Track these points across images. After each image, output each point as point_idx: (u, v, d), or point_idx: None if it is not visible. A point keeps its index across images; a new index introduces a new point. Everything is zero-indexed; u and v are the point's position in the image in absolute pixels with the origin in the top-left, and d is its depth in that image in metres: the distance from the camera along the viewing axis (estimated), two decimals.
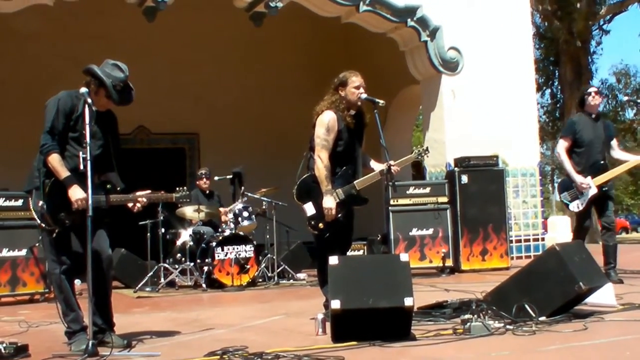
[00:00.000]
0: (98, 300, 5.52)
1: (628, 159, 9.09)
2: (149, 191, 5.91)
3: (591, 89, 9.12)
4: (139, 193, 5.84)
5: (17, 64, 16.05)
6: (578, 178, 8.74)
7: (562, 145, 8.98)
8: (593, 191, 8.71)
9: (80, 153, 5.40)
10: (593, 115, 8.99)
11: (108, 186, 5.80)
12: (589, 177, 8.75)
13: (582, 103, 9.04)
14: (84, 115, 5.45)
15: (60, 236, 5.61)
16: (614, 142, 9.10)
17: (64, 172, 5.50)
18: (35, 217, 5.59)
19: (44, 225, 5.57)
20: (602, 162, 8.86)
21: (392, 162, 6.52)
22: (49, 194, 5.50)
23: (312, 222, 6.59)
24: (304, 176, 6.71)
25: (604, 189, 8.82)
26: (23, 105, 12.69)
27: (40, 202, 5.50)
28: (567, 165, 8.88)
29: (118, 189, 5.85)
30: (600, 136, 8.91)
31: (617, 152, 9.10)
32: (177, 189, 6.11)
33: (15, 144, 13.26)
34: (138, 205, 5.83)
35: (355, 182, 6.64)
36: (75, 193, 5.46)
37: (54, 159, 5.50)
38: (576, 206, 8.83)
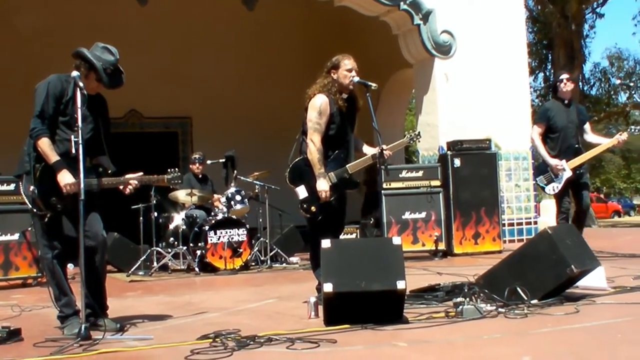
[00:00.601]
0: (92, 283, 5.52)
1: (601, 141, 9.40)
2: (140, 173, 5.89)
3: (563, 76, 9.45)
4: (130, 175, 5.83)
5: (9, 51, 15.99)
6: (552, 161, 9.06)
7: (536, 131, 9.33)
8: (568, 174, 9.02)
9: (72, 137, 5.37)
10: (566, 102, 9.33)
11: (100, 169, 5.79)
12: (564, 161, 9.03)
13: (555, 90, 9.42)
14: (75, 99, 5.43)
15: (52, 221, 5.60)
16: (587, 126, 9.42)
17: (53, 157, 5.48)
18: (27, 201, 5.57)
19: (35, 210, 5.56)
20: (576, 145, 9.16)
21: (384, 147, 6.54)
22: (39, 178, 5.49)
23: (305, 206, 6.60)
24: (297, 160, 6.71)
25: (578, 172, 9.09)
26: (14, 90, 12.64)
27: (32, 187, 5.49)
28: (541, 150, 9.21)
29: (109, 172, 5.84)
30: (574, 121, 9.23)
31: (590, 136, 9.39)
32: (169, 170, 6.10)
33: (6, 128, 13.21)
34: (130, 187, 5.82)
35: (347, 165, 6.65)
36: (65, 178, 5.45)
37: (44, 143, 5.48)
38: (552, 189, 9.14)
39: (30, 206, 5.57)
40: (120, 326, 5.65)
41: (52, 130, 5.55)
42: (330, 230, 6.60)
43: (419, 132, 7.24)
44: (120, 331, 5.57)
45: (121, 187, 5.82)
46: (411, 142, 7.13)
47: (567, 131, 9.18)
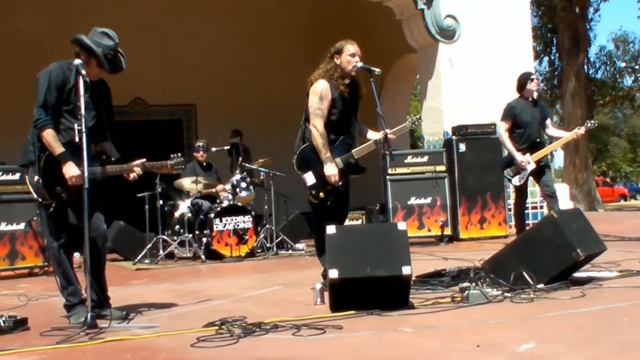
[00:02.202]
0: (93, 275, 5.52)
1: (562, 135, 10.01)
2: (144, 159, 5.88)
3: (533, 76, 10.06)
4: (134, 163, 5.82)
5: (10, 37, 15.98)
6: (519, 157, 9.56)
7: (503, 127, 9.79)
8: (532, 166, 9.56)
9: (75, 125, 5.37)
10: (530, 99, 9.86)
11: (103, 157, 5.77)
12: (528, 154, 9.57)
13: (523, 87, 9.82)
14: (77, 87, 5.41)
15: (57, 210, 5.59)
16: (548, 122, 10.02)
17: (58, 148, 5.46)
18: (32, 191, 5.58)
19: (40, 199, 5.56)
20: (538, 140, 9.70)
21: (388, 130, 6.54)
22: (44, 168, 5.48)
23: (313, 192, 6.58)
24: (303, 146, 6.68)
25: (541, 164, 9.67)
26: (17, 78, 12.62)
27: (36, 177, 5.49)
28: (508, 144, 9.70)
29: (113, 159, 5.83)
30: (537, 117, 9.75)
31: (551, 130, 9.99)
32: (172, 155, 6.09)
33: (11, 116, 13.21)
34: (133, 174, 5.81)
35: (353, 151, 6.63)
36: (70, 170, 5.44)
37: (49, 135, 5.46)
38: (518, 180, 9.67)
39: (35, 196, 5.57)
40: (125, 314, 5.66)
41: (55, 119, 5.53)
42: (335, 216, 6.59)
43: (419, 116, 7.21)
44: (126, 319, 5.58)
45: (125, 174, 5.80)
46: (413, 126, 7.10)
47: (531, 127, 9.67)
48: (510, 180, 9.82)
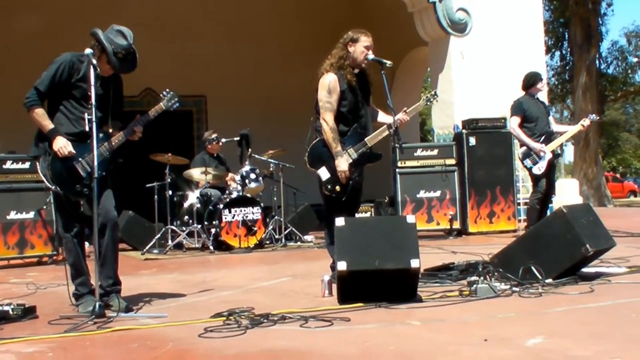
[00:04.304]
0: (104, 262, 5.54)
1: (566, 129, 10.51)
2: (137, 116, 5.85)
3: (542, 77, 10.55)
4: (131, 124, 5.79)
5: (23, 31, 16.01)
6: (537, 145, 9.87)
7: (515, 121, 10.13)
8: (549, 155, 9.86)
9: (86, 115, 5.38)
10: (535, 96, 10.30)
11: (101, 135, 5.72)
12: (543, 144, 9.90)
13: (532, 85, 10.25)
14: (88, 76, 5.42)
15: (68, 200, 5.61)
16: (551, 118, 10.43)
17: (48, 125, 5.50)
18: (44, 180, 5.59)
19: (53, 188, 5.57)
20: (550, 131, 10.11)
21: (405, 109, 6.54)
22: (52, 162, 5.51)
23: (329, 187, 6.56)
24: (314, 141, 6.65)
25: (556, 153, 10.06)
26: (29, 70, 12.64)
27: (48, 171, 5.51)
28: (522, 137, 10.01)
29: (111, 130, 5.81)
30: (544, 112, 10.23)
31: (554, 126, 10.35)
32: (162, 94, 6.07)
33: (20, 106, 13.24)
34: (137, 134, 5.78)
35: (366, 139, 6.61)
36: (58, 142, 5.47)
37: (38, 114, 5.52)
38: (538, 169, 9.89)
39: (48, 185, 5.58)
40: (127, 307, 5.57)
41: (63, 109, 5.56)
42: (347, 207, 6.59)
43: (435, 92, 7.15)
44: (128, 312, 5.53)
45: (129, 137, 5.78)
46: (428, 103, 7.06)
47: (541, 120, 10.05)
48: (530, 170, 9.97)
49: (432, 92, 7.14)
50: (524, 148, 10.02)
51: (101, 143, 5.53)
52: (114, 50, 5.58)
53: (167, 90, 6.13)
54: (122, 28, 5.70)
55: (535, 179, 9.97)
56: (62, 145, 5.45)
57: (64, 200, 5.62)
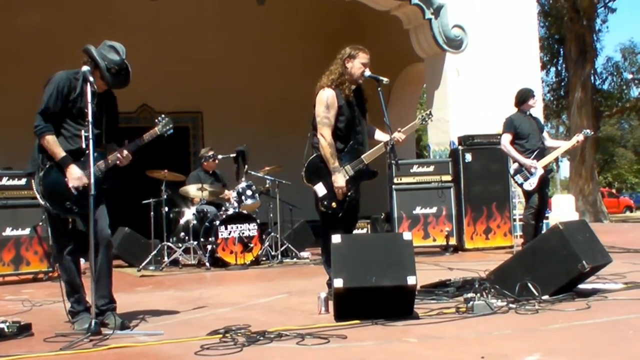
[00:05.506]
0: (98, 281, 5.52)
1: (560, 145, 10.49)
2: (126, 142, 5.85)
3: (534, 93, 10.44)
4: (123, 147, 5.79)
5: (20, 42, 16.03)
6: (527, 161, 9.88)
7: (506, 139, 10.15)
8: (540, 171, 9.84)
9: (82, 132, 5.38)
10: (527, 113, 10.28)
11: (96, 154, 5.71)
12: (535, 160, 9.89)
13: (522, 102, 10.26)
14: (85, 94, 5.43)
15: (59, 217, 5.60)
16: (545, 134, 10.53)
17: (60, 153, 5.49)
18: (39, 198, 5.58)
19: (48, 206, 5.56)
20: (542, 147, 10.09)
21: (399, 129, 6.56)
22: (44, 179, 5.49)
23: (325, 203, 6.56)
24: (311, 157, 6.66)
25: (547, 169, 10.04)
26: (26, 83, 12.66)
27: (41, 187, 5.50)
28: (514, 153, 10.05)
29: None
30: (536, 128, 10.20)
31: (549, 141, 10.40)
32: (157, 120, 6.09)
33: (18, 122, 13.21)
34: (124, 161, 5.77)
35: (362, 156, 6.63)
36: (73, 172, 5.46)
37: (49, 141, 5.49)
38: (529, 185, 9.89)
39: (42, 203, 5.57)
40: (123, 324, 5.55)
41: (58, 127, 5.55)
42: (344, 224, 6.60)
43: (430, 112, 7.21)
44: (124, 329, 5.51)
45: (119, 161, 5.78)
46: (423, 122, 7.09)
47: (533, 137, 10.06)
48: (521, 186, 9.98)
49: (428, 112, 7.19)
50: (516, 164, 10.06)
51: (96, 161, 5.53)
52: (107, 65, 5.59)
53: (163, 115, 6.17)
54: (115, 43, 5.72)
55: (527, 194, 9.98)
56: (78, 176, 5.45)
57: (55, 217, 5.62)
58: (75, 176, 5.45)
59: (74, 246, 5.68)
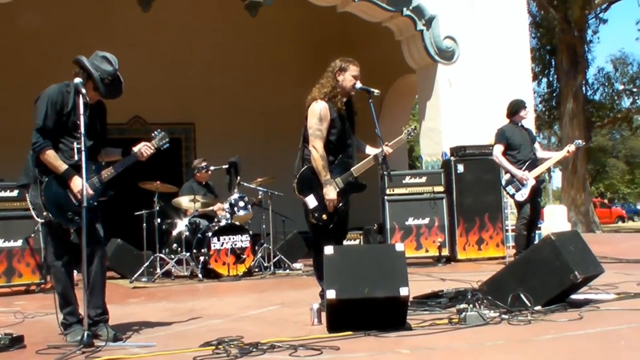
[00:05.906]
0: (92, 291, 5.52)
1: (551, 155, 10.48)
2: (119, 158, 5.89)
3: (526, 104, 10.48)
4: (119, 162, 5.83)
5: (10, 55, 16.01)
6: (519, 172, 9.89)
7: (498, 150, 10.16)
8: (532, 182, 9.85)
9: (75, 144, 5.38)
10: (519, 124, 10.27)
11: (93, 167, 5.72)
12: (526, 171, 9.90)
13: (514, 113, 10.26)
14: (77, 106, 5.43)
15: (59, 228, 5.60)
16: (537, 145, 10.50)
17: (61, 166, 5.49)
18: (32, 210, 5.57)
19: (40, 219, 5.56)
20: (533, 158, 10.09)
21: (387, 143, 6.57)
22: (46, 190, 5.49)
23: (316, 214, 6.57)
24: (302, 169, 6.67)
25: (539, 180, 10.02)
26: (16, 96, 12.66)
27: (39, 199, 5.49)
28: (505, 164, 10.08)
29: (102, 163, 5.83)
30: (527, 139, 10.21)
31: (540, 152, 10.38)
32: (153, 134, 6.10)
33: (9, 134, 13.22)
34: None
35: (352, 169, 6.64)
36: (77, 184, 5.47)
37: (49, 156, 5.49)
38: (521, 196, 9.88)
39: (35, 216, 5.57)
40: (115, 336, 5.55)
41: (55, 142, 5.54)
42: (334, 235, 6.60)
43: (415, 126, 7.23)
44: (116, 341, 5.50)
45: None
46: (409, 137, 7.10)
47: (524, 148, 10.08)
48: (513, 197, 10.00)
49: (413, 126, 7.20)
50: (508, 175, 10.08)
51: (94, 174, 5.54)
52: (101, 76, 5.60)
53: (159, 130, 6.17)
54: (107, 54, 5.72)
55: (519, 205, 9.99)
56: (81, 188, 5.45)
57: (56, 227, 5.61)
58: (79, 188, 5.45)
59: (69, 258, 5.67)
